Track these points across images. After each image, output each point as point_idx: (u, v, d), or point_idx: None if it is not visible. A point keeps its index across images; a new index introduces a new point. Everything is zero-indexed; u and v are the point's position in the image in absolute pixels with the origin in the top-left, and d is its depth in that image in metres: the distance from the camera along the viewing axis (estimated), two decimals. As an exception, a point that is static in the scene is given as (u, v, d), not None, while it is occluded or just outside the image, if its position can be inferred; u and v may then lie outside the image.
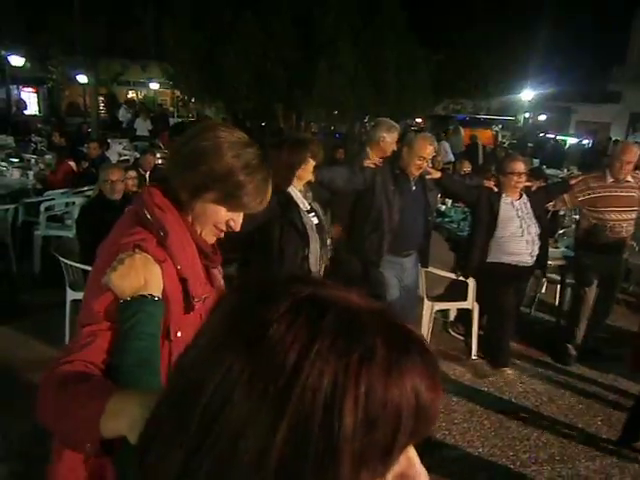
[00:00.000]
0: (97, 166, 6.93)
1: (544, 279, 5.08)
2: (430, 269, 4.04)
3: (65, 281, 3.98)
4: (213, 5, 10.69)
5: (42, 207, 5.72)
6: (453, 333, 4.66)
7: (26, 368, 3.68)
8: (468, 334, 4.43)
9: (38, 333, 4.17)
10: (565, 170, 11.83)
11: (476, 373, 4.04)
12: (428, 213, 3.75)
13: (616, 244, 4.00)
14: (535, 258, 3.86)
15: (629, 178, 3.98)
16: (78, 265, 3.77)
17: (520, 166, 3.85)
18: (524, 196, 3.92)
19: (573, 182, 4.12)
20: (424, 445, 0.50)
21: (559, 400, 3.70)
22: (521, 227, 3.80)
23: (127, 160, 9.50)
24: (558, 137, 18.90)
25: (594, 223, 4.03)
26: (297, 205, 2.83)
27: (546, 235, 3.96)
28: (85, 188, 6.37)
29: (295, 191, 2.85)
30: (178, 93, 19.35)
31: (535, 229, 3.83)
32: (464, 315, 4.46)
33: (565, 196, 4.16)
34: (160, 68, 16.59)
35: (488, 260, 3.86)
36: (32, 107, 20.61)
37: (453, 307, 4.57)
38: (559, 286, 4.96)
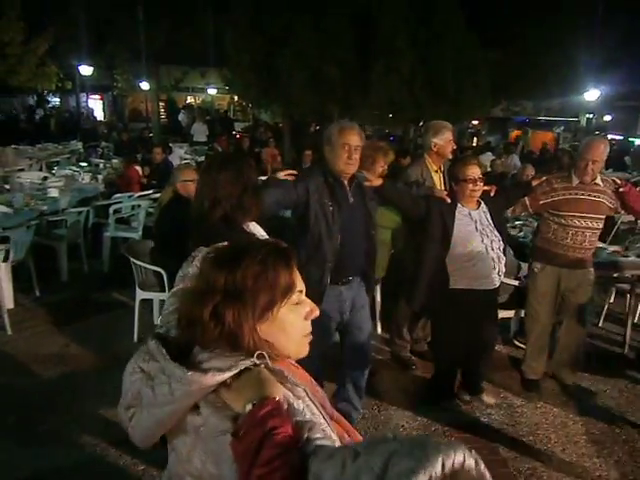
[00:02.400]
0: (162, 170, 7.21)
1: (613, 288, 4.87)
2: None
3: (134, 281, 4.15)
4: (271, 8, 10.87)
5: (111, 210, 6.00)
6: (516, 342, 4.52)
7: (97, 364, 3.86)
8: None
9: (108, 330, 4.38)
10: (633, 173, 11.27)
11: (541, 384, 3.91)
12: (370, 227, 3.00)
13: (577, 256, 3.52)
14: (501, 276, 3.30)
15: (598, 181, 3.46)
16: (148, 266, 3.92)
17: (475, 171, 3.19)
18: (482, 205, 3.29)
19: (535, 183, 3.61)
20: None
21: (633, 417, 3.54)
22: (483, 242, 3.18)
23: (188, 164, 9.79)
24: (627, 138, 18.02)
25: (554, 229, 3.56)
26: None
27: (505, 248, 3.34)
28: (150, 192, 6.62)
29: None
30: (235, 98, 19.81)
31: (498, 243, 3.23)
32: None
33: (526, 199, 3.63)
34: (219, 73, 17.05)
35: (452, 287, 3.23)
36: (98, 114, 21.65)
37: (515, 315, 4.44)
38: (628, 296, 4.73)
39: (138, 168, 7.57)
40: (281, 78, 10.90)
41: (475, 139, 19.68)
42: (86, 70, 16.90)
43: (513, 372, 4.04)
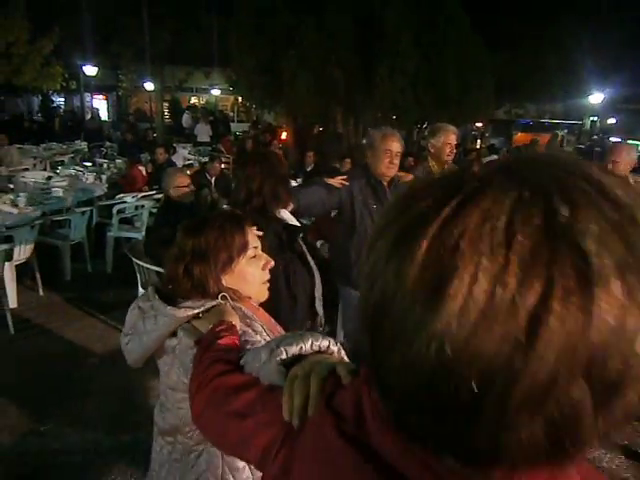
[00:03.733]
0: (165, 170, 7.22)
1: None
2: None
3: (137, 281, 4.16)
4: (276, 10, 10.88)
5: (114, 210, 6.02)
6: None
7: (99, 363, 3.88)
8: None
9: (111, 329, 4.39)
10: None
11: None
12: None
13: None
14: None
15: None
16: (151, 267, 3.93)
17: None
18: None
19: None
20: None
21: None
22: None
23: (191, 164, 9.83)
24: (630, 142, 17.96)
25: None
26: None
27: None
28: (153, 192, 6.64)
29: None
30: (239, 99, 19.84)
31: None
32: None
33: None
34: (223, 74, 17.08)
35: None
36: (102, 114, 21.71)
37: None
38: None
39: (142, 168, 7.58)
40: (285, 80, 10.91)
41: (479, 141, 19.65)
42: (90, 70, 16.95)
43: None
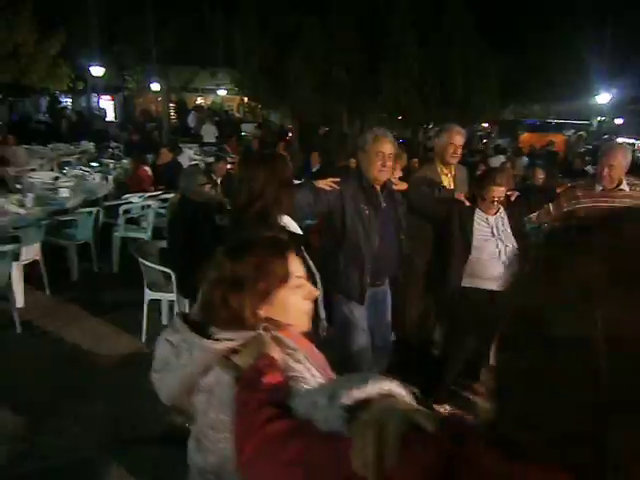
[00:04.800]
0: (171, 170, 7.25)
1: None
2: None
3: (143, 281, 4.18)
4: (280, 10, 10.90)
5: (120, 210, 6.05)
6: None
7: (105, 363, 3.90)
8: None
9: (117, 330, 4.41)
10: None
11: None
12: (401, 232, 3.14)
13: None
14: None
15: (624, 186, 3.39)
16: (157, 267, 3.95)
17: (500, 192, 3.28)
18: (501, 210, 3.38)
19: (560, 190, 3.65)
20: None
21: None
22: (497, 247, 3.29)
23: (197, 165, 9.85)
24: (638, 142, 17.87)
25: None
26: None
27: None
28: (160, 192, 6.66)
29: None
30: (245, 99, 19.88)
31: (512, 249, 3.31)
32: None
33: (550, 206, 3.64)
34: (228, 74, 17.12)
35: (463, 285, 3.36)
36: (109, 114, 21.80)
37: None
38: None
39: (147, 169, 7.61)
40: (290, 80, 10.93)
41: (485, 142, 19.60)
42: (97, 71, 17.03)
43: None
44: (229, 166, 7.76)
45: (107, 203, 6.69)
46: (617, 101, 18.92)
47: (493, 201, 3.28)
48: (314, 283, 2.39)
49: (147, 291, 4.15)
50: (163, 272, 3.91)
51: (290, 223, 2.39)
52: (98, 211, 6.09)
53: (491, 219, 3.34)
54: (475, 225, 3.31)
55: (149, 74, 18.45)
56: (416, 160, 7.73)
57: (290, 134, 14.15)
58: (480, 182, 3.42)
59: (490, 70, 11.95)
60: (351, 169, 3.29)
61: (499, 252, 3.27)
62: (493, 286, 3.27)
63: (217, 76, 21.94)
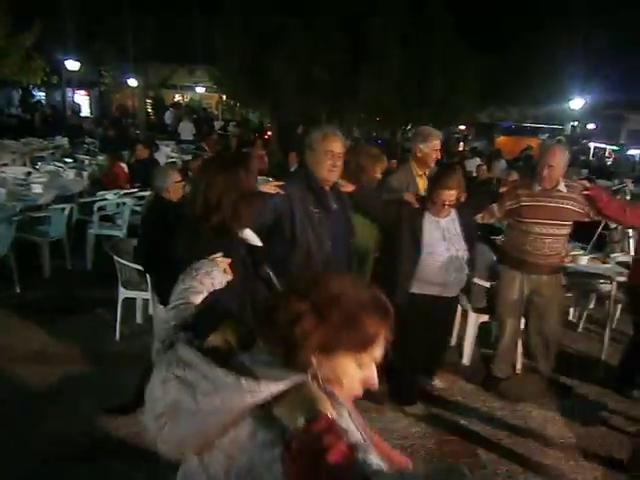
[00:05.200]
0: (147, 168, 7.16)
1: (593, 294, 4.95)
2: (476, 280, 3.81)
3: (117, 279, 4.12)
4: (261, 10, 10.87)
5: (95, 207, 5.96)
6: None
7: (79, 363, 3.82)
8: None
9: (90, 329, 4.34)
10: (615, 181, 11.44)
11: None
12: (350, 235, 2.98)
13: (538, 262, 3.51)
14: (462, 285, 3.33)
15: (561, 187, 3.44)
16: (132, 265, 3.90)
17: (451, 195, 3.16)
18: (452, 212, 3.28)
19: (503, 190, 3.62)
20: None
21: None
22: (448, 251, 3.20)
23: (174, 162, 9.75)
24: (609, 147, 18.31)
25: (516, 234, 3.59)
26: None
27: (473, 257, 3.34)
28: (136, 190, 6.58)
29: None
30: (224, 97, 19.76)
31: (463, 252, 3.25)
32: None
33: (494, 206, 3.64)
34: (207, 72, 17.00)
35: (413, 292, 3.23)
36: (84, 110, 21.44)
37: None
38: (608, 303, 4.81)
39: (123, 165, 7.51)
40: (270, 79, 10.90)
41: (462, 144, 19.85)
42: (73, 65, 16.72)
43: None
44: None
45: (81, 200, 6.58)
46: (590, 106, 19.35)
47: (444, 204, 3.18)
48: None
49: (122, 289, 4.09)
50: (138, 270, 3.85)
51: (251, 236, 2.16)
52: (72, 208, 5.99)
53: (442, 222, 3.25)
54: (425, 228, 3.21)
55: (126, 70, 18.19)
56: (395, 161, 7.80)
57: (269, 133, 14.11)
58: (430, 185, 3.29)
59: (469, 73, 12.13)
60: (298, 169, 3.09)
61: (450, 256, 3.20)
62: (443, 291, 3.27)
63: (195, 73, 21.76)
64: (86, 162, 9.21)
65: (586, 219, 3.69)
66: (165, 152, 10.64)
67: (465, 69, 11.92)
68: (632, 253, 4.41)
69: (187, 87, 24.26)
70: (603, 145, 20.37)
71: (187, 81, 23.31)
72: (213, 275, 1.50)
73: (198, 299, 1.42)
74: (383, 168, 3.82)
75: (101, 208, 6.02)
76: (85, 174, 7.54)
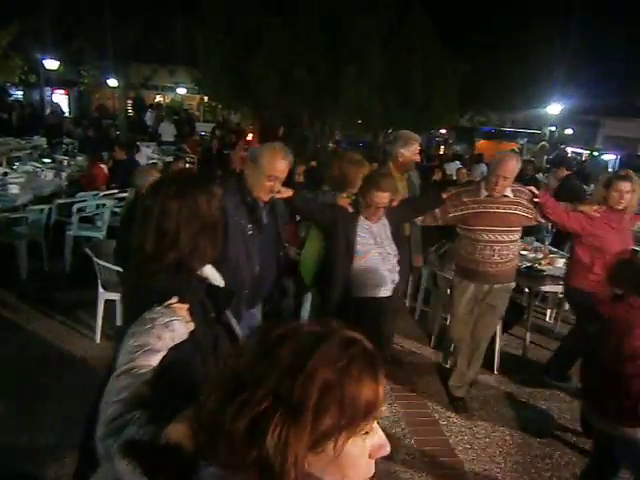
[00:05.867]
0: (126, 169, 7.11)
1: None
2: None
3: (97, 281, 4.08)
4: (242, 11, 10.84)
5: (74, 208, 5.89)
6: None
7: (57, 366, 3.78)
8: (491, 349, 4.43)
9: (69, 331, 4.29)
10: (592, 186, 11.65)
11: (499, 388, 4.03)
12: (280, 248, 2.92)
13: (488, 270, 3.46)
14: (395, 286, 3.34)
15: (508, 193, 3.41)
16: (112, 266, 3.87)
17: (385, 197, 3.12)
18: (383, 217, 3.27)
19: (446, 195, 3.52)
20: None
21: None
22: (380, 255, 3.21)
23: (155, 164, 9.68)
24: (585, 152, 18.67)
25: (465, 243, 3.53)
26: None
27: (406, 260, 3.33)
28: (116, 191, 6.52)
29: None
30: (205, 98, 19.66)
31: (394, 256, 3.27)
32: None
33: (437, 211, 3.54)
34: (188, 73, 16.91)
35: (352, 295, 3.24)
36: (63, 109, 21.11)
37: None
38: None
39: (103, 166, 7.43)
40: (251, 81, 10.88)
41: (442, 148, 20.04)
42: (51, 64, 16.47)
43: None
44: (188, 165, 7.67)
45: (60, 201, 6.49)
46: (567, 112, 19.71)
47: (378, 207, 3.15)
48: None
49: (102, 291, 4.05)
50: (118, 272, 3.83)
51: (212, 274, 1.72)
52: (50, 209, 5.91)
53: (374, 226, 3.23)
54: (358, 232, 3.18)
55: (106, 69, 17.98)
56: (376, 164, 7.83)
57: (251, 135, 14.08)
58: (365, 187, 3.19)
59: (449, 77, 12.25)
60: (233, 178, 2.77)
61: (382, 259, 3.21)
62: (377, 291, 3.25)
63: (176, 74, 21.61)
64: (65, 162, 9.09)
65: (533, 223, 3.73)
66: (146, 153, 10.55)
67: (445, 73, 12.05)
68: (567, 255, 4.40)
69: (168, 88, 24.06)
70: (580, 150, 20.75)
71: (168, 82, 23.13)
72: (173, 327, 1.24)
73: (156, 359, 1.17)
74: (365, 174, 3.83)
75: (80, 209, 5.96)
76: (64, 175, 7.44)
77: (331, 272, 3.23)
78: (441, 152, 18.55)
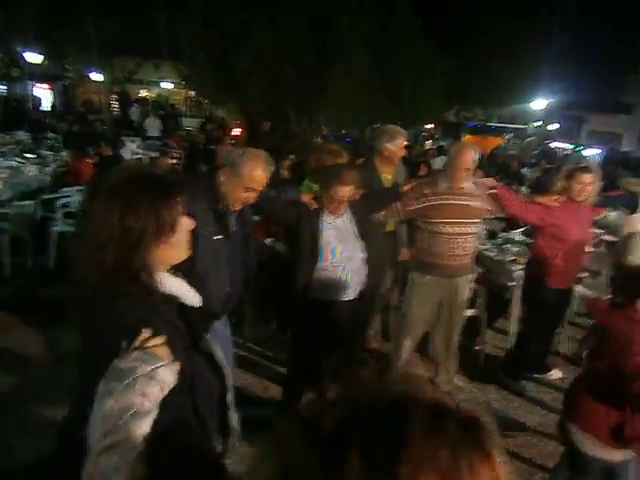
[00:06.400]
0: (112, 164, 7.04)
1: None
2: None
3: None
4: (227, 5, 10.77)
5: (58, 203, 5.83)
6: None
7: (41, 363, 3.75)
8: (480, 342, 4.48)
9: (54, 328, 4.25)
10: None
11: (484, 380, 4.08)
12: (248, 256, 2.76)
13: (450, 264, 3.41)
14: (361, 287, 3.16)
15: (467, 185, 3.40)
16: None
17: (347, 191, 2.98)
18: (347, 211, 3.11)
19: (406, 188, 3.42)
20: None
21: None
22: (343, 253, 3.05)
23: (141, 159, 9.61)
24: (570, 147, 18.87)
25: (426, 237, 3.46)
26: None
27: (381, 256, 3.21)
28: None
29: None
30: (191, 93, 19.52)
31: (360, 253, 3.10)
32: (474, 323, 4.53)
33: (398, 204, 3.46)
34: (174, 67, 16.76)
35: (313, 297, 3.04)
36: (46, 104, 20.84)
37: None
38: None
39: (89, 161, 7.35)
40: (238, 76, 10.83)
41: (429, 143, 20.12)
42: (34, 57, 16.23)
43: (458, 369, 4.19)
44: (174, 161, 7.62)
45: (44, 196, 6.42)
46: (552, 107, 19.90)
47: (341, 201, 3.01)
48: (222, 381, 1.47)
49: (86, 287, 4.01)
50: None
51: (183, 291, 1.40)
52: (35, 205, 5.85)
53: (338, 221, 3.08)
54: (321, 229, 3.02)
55: (90, 63, 17.76)
56: (363, 159, 7.84)
57: (239, 130, 14.02)
58: (326, 181, 3.03)
59: (436, 73, 12.31)
60: (202, 181, 2.56)
61: (347, 257, 3.05)
62: (340, 295, 3.08)
63: (162, 69, 21.42)
64: (49, 158, 8.98)
65: (492, 216, 3.75)
66: (131, 148, 10.46)
67: (432, 70, 12.10)
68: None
69: (153, 82, 23.85)
70: (564, 145, 20.99)
71: (153, 76, 22.92)
72: (159, 376, 1.00)
73: (146, 424, 0.95)
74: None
75: (65, 205, 5.90)
76: (48, 170, 7.35)
77: (295, 271, 3.04)
78: (427, 147, 18.62)
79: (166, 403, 1.00)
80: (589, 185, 3.52)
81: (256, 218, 3.81)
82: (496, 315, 4.59)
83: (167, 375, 1.02)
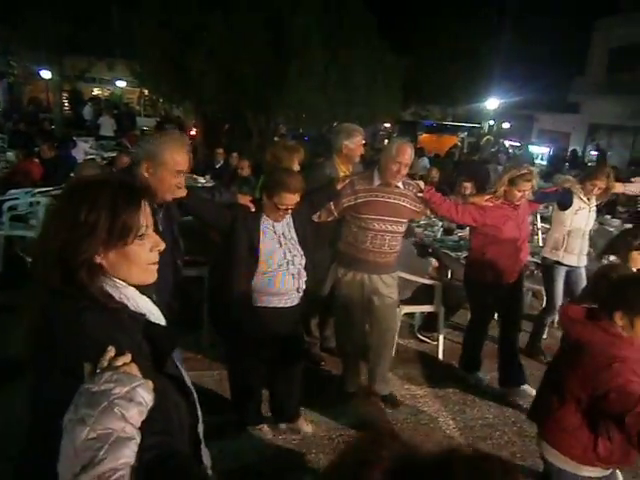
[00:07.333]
0: (61, 165, 6.82)
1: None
2: (398, 273, 3.78)
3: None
4: (182, 4, 10.59)
5: (5, 207, 5.60)
6: (420, 336, 4.77)
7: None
8: (435, 337, 4.57)
9: (1, 336, 4.07)
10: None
11: (444, 374, 4.15)
12: (177, 257, 2.56)
13: (377, 260, 3.39)
14: (302, 293, 3.05)
15: (399, 184, 3.36)
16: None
17: (293, 199, 2.86)
18: (287, 216, 2.99)
19: (340, 186, 3.35)
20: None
21: (520, 401, 3.84)
22: (285, 258, 2.92)
23: (93, 159, 9.33)
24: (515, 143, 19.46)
25: (355, 232, 3.40)
26: None
27: (312, 259, 3.08)
28: (51, 188, 6.23)
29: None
30: (146, 92, 19.09)
31: (300, 258, 2.98)
32: (431, 319, 4.61)
33: (331, 204, 3.38)
34: (127, 66, 16.36)
35: (254, 305, 2.94)
36: (-8, 102, 19.99)
37: (419, 310, 4.68)
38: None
39: (37, 161, 7.09)
40: (193, 76, 10.66)
41: (386, 141, 20.34)
42: (-23, 55, 15.53)
43: (417, 364, 4.26)
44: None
45: (-11, 199, 6.15)
46: (504, 106, 20.47)
47: (285, 209, 2.88)
48: (192, 408, 1.30)
49: (35, 293, 3.86)
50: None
51: (147, 307, 1.26)
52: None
53: (278, 226, 2.95)
54: (261, 234, 2.89)
55: (39, 61, 17.10)
56: (323, 159, 7.84)
57: (195, 130, 13.81)
58: (271, 187, 2.87)
59: (391, 72, 12.44)
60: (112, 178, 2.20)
61: (287, 263, 2.92)
62: (282, 302, 2.97)
63: (115, 67, 20.87)
64: (-6, 158, 8.62)
65: (421, 217, 3.76)
66: (83, 148, 10.17)
67: (387, 69, 12.23)
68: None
69: (107, 81, 23.22)
70: (517, 143, 21.62)
71: (106, 75, 22.30)
72: (139, 397, 0.92)
73: (130, 452, 0.86)
74: (300, 159, 3.79)
75: (12, 207, 5.67)
76: (-7, 171, 7.05)
77: (231, 278, 2.88)
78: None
79: (150, 428, 0.92)
80: (528, 190, 3.61)
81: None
82: (454, 310, 4.68)
83: (145, 395, 0.93)
